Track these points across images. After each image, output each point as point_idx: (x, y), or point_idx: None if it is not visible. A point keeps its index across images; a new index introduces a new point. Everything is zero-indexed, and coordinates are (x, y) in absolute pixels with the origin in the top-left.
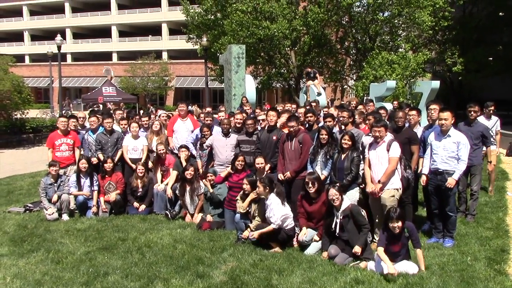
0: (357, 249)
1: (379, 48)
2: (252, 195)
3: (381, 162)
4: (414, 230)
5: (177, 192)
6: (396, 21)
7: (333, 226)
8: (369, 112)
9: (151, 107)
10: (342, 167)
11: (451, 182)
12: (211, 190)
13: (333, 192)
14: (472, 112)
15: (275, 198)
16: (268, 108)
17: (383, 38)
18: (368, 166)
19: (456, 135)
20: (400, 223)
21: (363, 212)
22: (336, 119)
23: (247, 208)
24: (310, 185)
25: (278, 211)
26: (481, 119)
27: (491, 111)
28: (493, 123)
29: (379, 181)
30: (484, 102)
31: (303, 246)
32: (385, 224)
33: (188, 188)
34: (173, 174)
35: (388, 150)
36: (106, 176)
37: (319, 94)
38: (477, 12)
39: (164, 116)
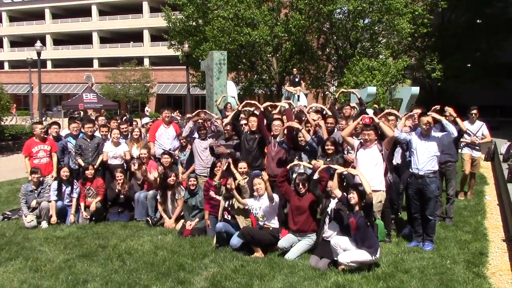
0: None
1: (359, 54)
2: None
3: (372, 164)
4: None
5: (158, 197)
6: (376, 28)
7: (328, 210)
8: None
9: (127, 114)
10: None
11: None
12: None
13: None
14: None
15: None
16: None
17: (363, 45)
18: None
19: (437, 135)
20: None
21: None
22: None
23: (226, 203)
24: (301, 186)
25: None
26: (466, 124)
27: (473, 116)
28: (477, 128)
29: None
30: (463, 108)
31: (284, 252)
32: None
33: (169, 193)
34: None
35: (380, 151)
36: (87, 181)
37: (288, 98)
38: (456, 19)
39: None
